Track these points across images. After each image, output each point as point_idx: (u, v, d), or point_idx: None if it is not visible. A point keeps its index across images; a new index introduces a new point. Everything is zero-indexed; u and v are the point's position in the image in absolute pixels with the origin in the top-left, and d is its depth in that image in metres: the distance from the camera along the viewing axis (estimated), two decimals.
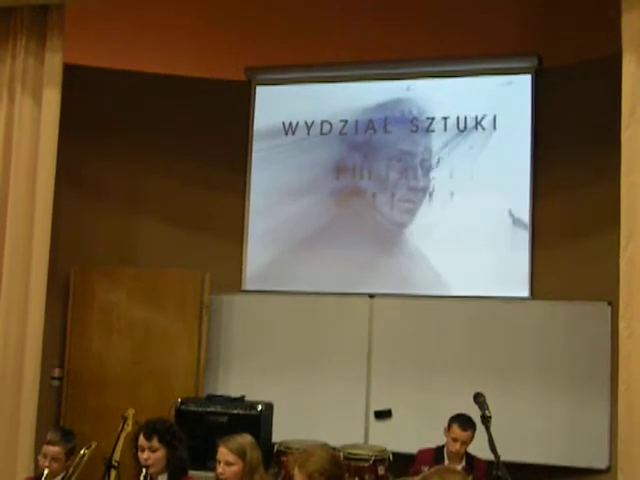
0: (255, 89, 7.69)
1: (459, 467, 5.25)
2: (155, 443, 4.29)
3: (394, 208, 7.28)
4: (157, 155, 7.47)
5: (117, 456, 5.83)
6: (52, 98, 5.59)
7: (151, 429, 4.34)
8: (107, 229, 7.42)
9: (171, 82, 7.48)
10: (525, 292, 6.91)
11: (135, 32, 6.80)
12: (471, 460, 5.41)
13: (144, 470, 4.30)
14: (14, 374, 5.51)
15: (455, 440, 5.34)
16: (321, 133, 7.50)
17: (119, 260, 7.35)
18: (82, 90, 6.94)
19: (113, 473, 5.78)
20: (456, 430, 5.35)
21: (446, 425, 5.45)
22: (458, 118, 7.20)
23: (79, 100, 6.79)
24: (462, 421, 5.34)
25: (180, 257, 7.31)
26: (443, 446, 5.48)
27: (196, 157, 7.48)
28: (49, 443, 4.52)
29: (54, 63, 5.62)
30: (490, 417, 3.42)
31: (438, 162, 7.21)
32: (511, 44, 6.86)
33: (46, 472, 4.44)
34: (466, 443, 5.34)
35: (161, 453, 4.29)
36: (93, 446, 4.55)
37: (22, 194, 5.59)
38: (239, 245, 7.53)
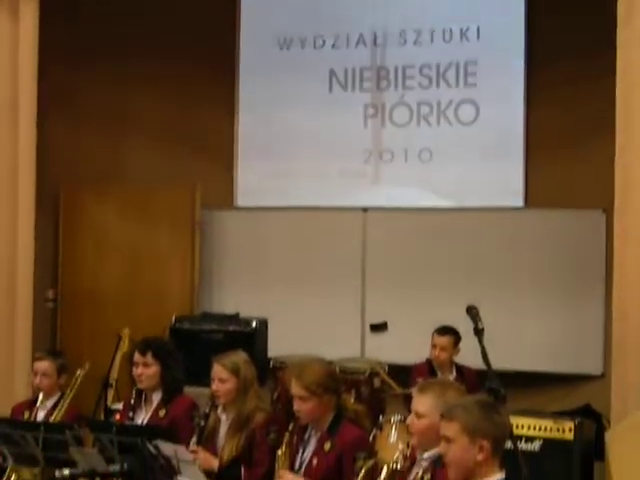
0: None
1: (450, 377, 5.35)
2: (149, 358, 4.31)
3: (386, 120, 7.15)
4: (144, 72, 7.29)
5: (114, 375, 5.88)
6: (29, 13, 5.43)
7: (145, 344, 4.38)
8: (96, 148, 7.31)
9: None
10: (519, 201, 6.86)
11: None
12: (461, 370, 5.54)
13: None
14: (8, 297, 5.52)
15: (434, 346, 5.51)
16: (314, 47, 7.33)
17: (108, 179, 7.28)
18: (67, 13, 6.75)
19: (110, 392, 5.84)
20: (434, 336, 5.54)
21: None
22: (443, 29, 7.01)
23: (65, 23, 6.63)
24: (440, 328, 5.54)
25: (170, 174, 7.22)
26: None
27: (183, 72, 7.30)
28: (37, 359, 4.55)
29: None
30: (483, 329, 3.40)
31: (428, 74, 7.07)
32: None
33: (41, 396, 4.46)
34: (446, 349, 5.49)
35: (155, 369, 4.31)
36: (87, 367, 4.55)
37: (4, 113, 5.48)
38: (230, 160, 7.43)
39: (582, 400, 6.15)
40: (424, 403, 3.28)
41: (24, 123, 5.51)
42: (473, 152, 6.92)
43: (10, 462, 3.86)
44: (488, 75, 6.95)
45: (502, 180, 6.88)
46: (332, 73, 7.28)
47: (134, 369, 4.36)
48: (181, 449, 3.45)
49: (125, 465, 3.31)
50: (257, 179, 7.35)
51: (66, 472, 3.15)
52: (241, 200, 7.42)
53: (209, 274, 7.22)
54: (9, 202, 5.52)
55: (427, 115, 7.07)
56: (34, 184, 5.55)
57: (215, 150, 7.38)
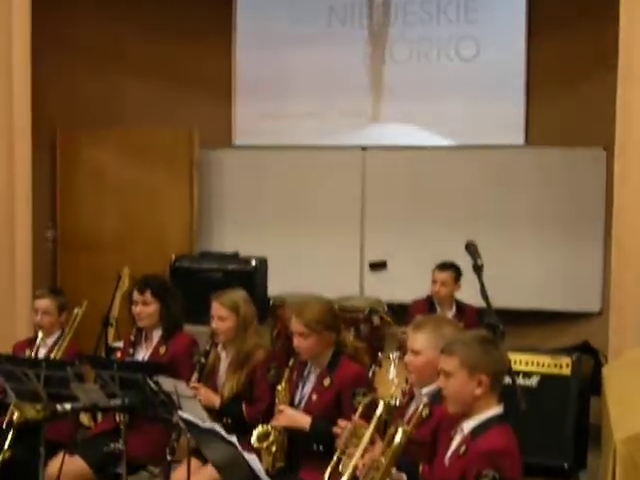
0: None
1: (449, 314, 5.37)
2: (148, 297, 4.31)
3: (386, 57, 7.08)
4: (141, 11, 7.18)
5: (115, 314, 5.92)
6: None
7: (144, 283, 4.36)
8: (91, 89, 7.23)
9: None
10: (520, 139, 6.81)
11: None
12: (461, 307, 5.55)
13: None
14: (7, 239, 5.48)
15: (435, 282, 5.51)
16: None
17: (105, 120, 7.21)
18: None
19: (111, 331, 5.88)
20: (435, 272, 5.53)
21: None
22: None
23: None
24: (441, 264, 5.53)
25: (167, 114, 7.16)
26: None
27: (179, 11, 7.20)
28: (37, 297, 4.57)
29: None
30: (482, 266, 3.40)
31: (429, 10, 6.96)
32: None
33: (41, 334, 4.48)
34: (446, 285, 5.49)
35: (154, 307, 4.31)
36: (84, 305, 4.55)
37: None
38: (228, 99, 7.37)
39: (580, 337, 6.20)
40: (419, 340, 3.30)
41: (18, 64, 5.39)
42: (473, 89, 6.87)
43: (13, 398, 3.90)
44: (489, 11, 6.88)
45: (502, 117, 6.84)
46: (331, 9, 7.18)
47: (133, 307, 4.36)
48: (181, 385, 3.47)
49: (126, 400, 3.34)
50: (255, 118, 7.30)
51: (68, 406, 3.18)
52: (239, 139, 7.37)
53: (208, 213, 7.22)
54: (5, 144, 5.45)
55: (427, 52, 7.00)
56: (30, 125, 5.47)
57: (213, 89, 7.31)
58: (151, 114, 7.18)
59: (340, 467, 3.22)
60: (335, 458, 3.29)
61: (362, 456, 3.09)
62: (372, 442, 3.14)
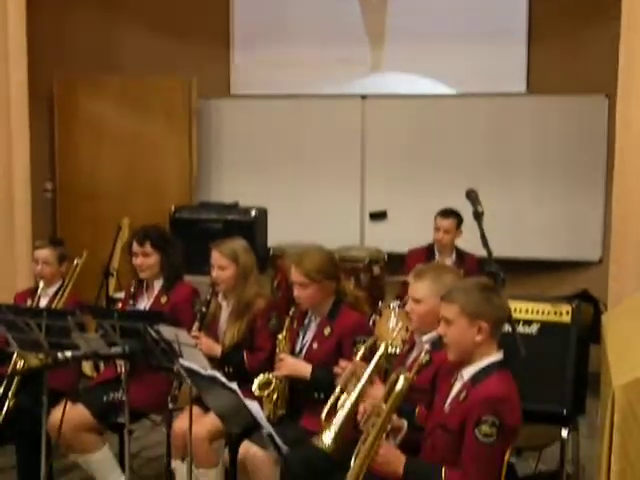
0: None
1: (449, 261, 5.38)
2: (148, 248, 4.30)
3: (387, 4, 6.97)
4: None
5: (115, 265, 5.93)
6: None
7: (143, 234, 4.35)
8: (89, 38, 7.19)
9: None
10: (522, 87, 6.76)
11: None
12: (461, 255, 5.56)
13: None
14: (6, 190, 5.46)
15: (437, 229, 5.51)
16: None
17: (102, 69, 7.16)
18: None
19: (112, 281, 5.90)
20: (437, 219, 5.53)
21: None
22: None
23: None
24: (443, 210, 5.54)
25: (164, 63, 7.10)
26: (434, 243, 5.58)
27: None
28: (37, 248, 4.57)
29: None
30: (482, 213, 3.38)
31: None
32: None
33: (41, 284, 4.48)
34: (449, 232, 5.51)
35: (154, 258, 4.31)
36: (85, 255, 4.55)
37: None
38: (226, 48, 7.28)
39: (580, 286, 6.20)
40: (421, 288, 3.31)
41: (14, 13, 5.31)
42: (475, 37, 6.77)
43: (15, 348, 3.92)
44: None
45: (504, 65, 6.77)
46: None
47: (134, 259, 4.35)
48: (183, 333, 3.48)
49: (126, 348, 3.35)
50: (254, 66, 7.22)
51: (69, 354, 3.20)
52: (238, 88, 7.30)
53: (207, 164, 7.18)
54: (2, 95, 5.38)
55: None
56: (26, 76, 5.41)
57: (211, 37, 7.22)
58: (149, 63, 7.13)
59: (338, 405, 3.24)
60: (333, 397, 3.30)
61: (361, 394, 3.11)
62: (371, 382, 3.17)
